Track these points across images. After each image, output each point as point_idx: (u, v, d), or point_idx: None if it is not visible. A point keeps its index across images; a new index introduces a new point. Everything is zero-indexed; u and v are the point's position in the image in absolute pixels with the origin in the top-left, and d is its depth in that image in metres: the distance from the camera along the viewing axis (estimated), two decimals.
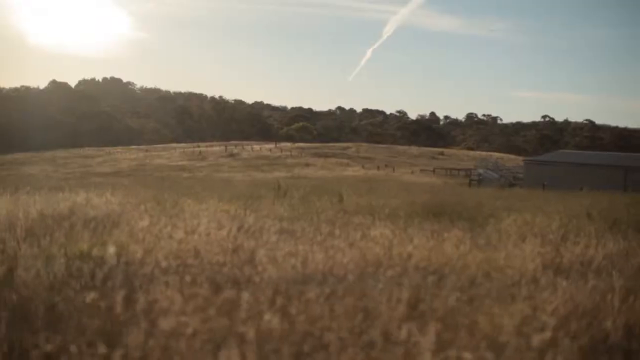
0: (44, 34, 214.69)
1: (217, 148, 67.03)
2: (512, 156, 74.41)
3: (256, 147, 67.14)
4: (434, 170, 48.85)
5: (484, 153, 75.83)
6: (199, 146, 71.75)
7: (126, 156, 65.28)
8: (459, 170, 48.98)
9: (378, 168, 50.59)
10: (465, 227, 9.57)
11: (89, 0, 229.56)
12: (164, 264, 4.96)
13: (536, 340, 3.24)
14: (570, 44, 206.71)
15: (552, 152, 48.15)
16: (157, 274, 4.55)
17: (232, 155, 59.94)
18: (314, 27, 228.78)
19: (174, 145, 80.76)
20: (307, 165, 51.73)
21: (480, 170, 43.69)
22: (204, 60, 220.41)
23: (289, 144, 72.67)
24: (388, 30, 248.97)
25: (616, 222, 10.95)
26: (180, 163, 55.57)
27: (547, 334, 3.33)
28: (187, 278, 4.58)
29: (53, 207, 9.42)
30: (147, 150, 69.57)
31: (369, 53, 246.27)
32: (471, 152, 78.12)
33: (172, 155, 62.52)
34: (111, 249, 4.94)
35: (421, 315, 3.81)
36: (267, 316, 3.09)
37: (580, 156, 42.06)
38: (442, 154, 70.87)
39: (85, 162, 60.98)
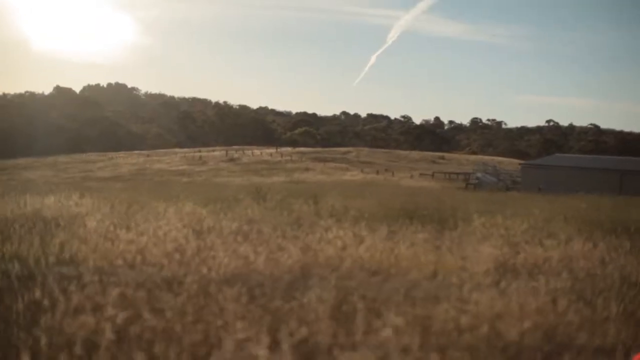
0: (49, 40, 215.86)
1: (217, 153, 67.14)
2: (514, 160, 74.10)
3: (257, 151, 67.17)
4: (432, 175, 48.74)
5: (485, 157, 75.58)
6: (200, 151, 71.88)
7: (127, 161, 65.48)
8: (457, 174, 48.87)
9: (377, 172, 50.48)
10: (435, 229, 9.53)
11: (95, 6, 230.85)
12: (92, 264, 4.92)
13: (429, 343, 3.17)
14: (575, 49, 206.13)
15: (549, 155, 47.96)
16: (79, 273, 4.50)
17: (232, 160, 59.99)
18: (319, 33, 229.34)
19: (176, 150, 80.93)
20: (307, 169, 51.70)
21: (479, 174, 43.60)
22: (208, 66, 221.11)
23: (289, 149, 72.66)
24: (392, 36, 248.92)
25: (592, 225, 10.88)
26: (180, 168, 55.67)
27: (444, 339, 3.28)
28: (112, 279, 4.54)
29: (22, 209, 9.44)
30: (148, 156, 69.77)
31: (373, 59, 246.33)
32: (472, 157, 77.89)
33: (172, 160, 62.67)
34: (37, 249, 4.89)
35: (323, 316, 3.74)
36: (146, 315, 3.02)
37: (577, 160, 41.93)
38: (442, 158, 70.69)
39: (85, 167, 61.19)
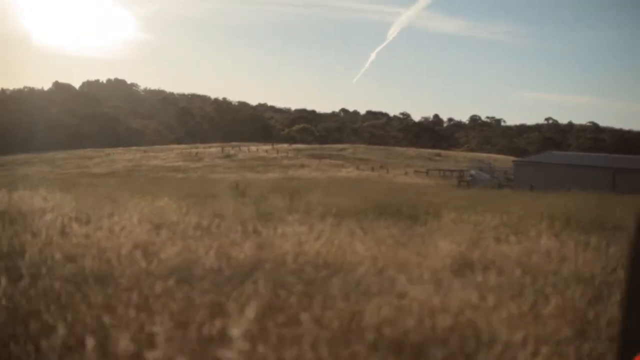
0: (49, 36, 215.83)
1: (213, 149, 67.13)
2: (512, 158, 74.02)
3: (253, 148, 67.14)
4: (427, 172, 48.78)
5: (482, 154, 75.52)
6: (196, 147, 71.87)
7: (124, 157, 65.50)
8: (452, 171, 48.89)
9: (372, 169, 50.47)
10: (406, 224, 9.52)
11: (95, 2, 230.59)
12: (33, 257, 4.92)
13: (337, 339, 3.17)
14: (575, 47, 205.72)
15: (542, 153, 47.86)
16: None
17: (228, 156, 59.97)
18: (319, 29, 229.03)
19: (173, 146, 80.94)
20: (302, 166, 51.69)
21: (472, 172, 43.55)
22: (208, 62, 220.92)
23: (285, 145, 72.68)
24: (392, 33, 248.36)
25: (567, 222, 10.87)
26: (176, 164, 55.67)
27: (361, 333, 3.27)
28: (44, 271, 4.53)
29: None
30: (145, 151, 69.76)
31: (373, 55, 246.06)
32: (468, 154, 77.80)
33: (168, 156, 62.66)
34: None
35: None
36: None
37: (570, 157, 41.83)
38: (439, 155, 70.60)
39: (82, 163, 61.19)
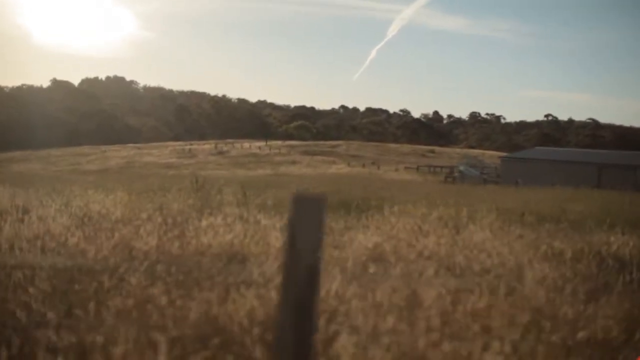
0: (48, 33, 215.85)
1: (207, 146, 67.26)
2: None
3: (246, 145, 67.25)
4: (417, 168, 48.84)
5: (476, 151, 75.44)
6: (190, 144, 71.99)
7: (118, 154, 65.65)
8: (442, 167, 48.92)
9: (363, 166, 50.53)
10: (343, 217, 9.56)
11: (94, 0, 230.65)
12: None
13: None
14: (575, 44, 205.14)
15: (529, 149, 47.84)
16: None
17: (221, 153, 60.09)
18: (319, 26, 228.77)
19: (169, 143, 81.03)
20: (294, 162, 51.75)
21: (461, 168, 43.58)
22: (207, 59, 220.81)
23: (279, 142, 72.80)
24: (393, 30, 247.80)
25: (522, 216, 10.92)
26: (169, 161, 55.80)
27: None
28: None
29: None
30: (139, 149, 69.92)
31: (373, 52, 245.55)
32: (463, 151, 77.71)
33: (162, 153, 62.80)
34: None
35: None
36: None
37: (556, 153, 41.76)
38: (432, 152, 70.62)
39: (76, 160, 61.35)
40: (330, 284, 4.21)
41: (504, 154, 77.21)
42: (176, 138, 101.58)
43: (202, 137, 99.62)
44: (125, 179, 24.27)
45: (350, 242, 6.66)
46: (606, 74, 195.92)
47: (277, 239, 6.66)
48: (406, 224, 8.83)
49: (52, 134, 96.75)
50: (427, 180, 36.17)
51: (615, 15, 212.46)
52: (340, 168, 48.24)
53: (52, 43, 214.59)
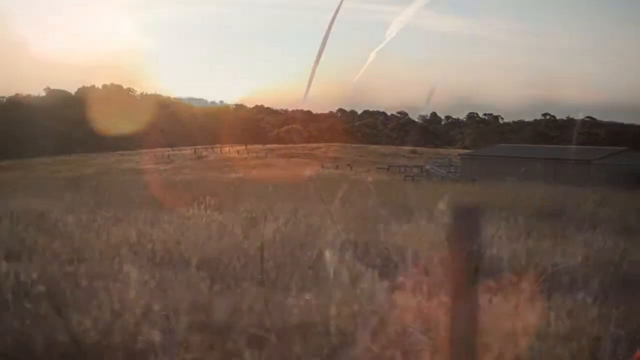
0: (44, 41, 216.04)
1: (188, 151, 67.39)
2: None
3: (225, 149, 67.32)
4: (388, 168, 48.81)
5: (460, 150, 75.16)
6: (171, 149, 72.20)
7: (101, 161, 65.96)
8: (411, 167, 48.90)
9: (337, 167, 50.53)
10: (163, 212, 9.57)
11: (92, 7, 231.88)
12: None
13: None
14: (575, 43, 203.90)
15: (489, 146, 47.57)
16: None
17: (199, 157, 60.17)
18: (318, 30, 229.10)
19: (159, 149, 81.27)
20: (268, 165, 51.72)
21: (427, 167, 43.51)
22: (204, 66, 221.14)
23: (259, 146, 72.84)
24: (391, 32, 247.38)
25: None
26: (145, 167, 55.95)
27: None
28: None
29: None
30: (122, 155, 70.15)
31: (372, 55, 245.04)
32: (444, 151, 77.44)
33: (142, 159, 62.99)
34: None
35: None
36: None
37: (515, 150, 41.50)
38: (414, 152, 70.39)
39: (57, 168, 61.68)
40: None
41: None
42: (170, 145, 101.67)
43: (195, 143, 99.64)
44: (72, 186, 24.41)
45: None
46: (606, 72, 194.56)
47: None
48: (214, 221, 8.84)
49: (46, 142, 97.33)
50: (392, 180, 35.86)
51: (614, 14, 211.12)
52: (312, 171, 48.12)
53: (48, 51, 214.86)
